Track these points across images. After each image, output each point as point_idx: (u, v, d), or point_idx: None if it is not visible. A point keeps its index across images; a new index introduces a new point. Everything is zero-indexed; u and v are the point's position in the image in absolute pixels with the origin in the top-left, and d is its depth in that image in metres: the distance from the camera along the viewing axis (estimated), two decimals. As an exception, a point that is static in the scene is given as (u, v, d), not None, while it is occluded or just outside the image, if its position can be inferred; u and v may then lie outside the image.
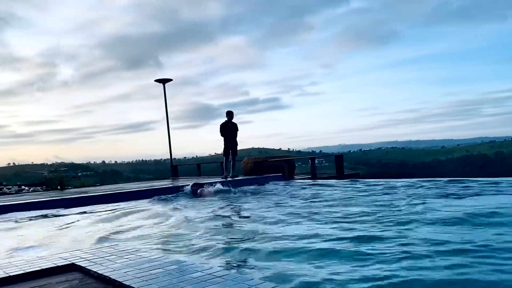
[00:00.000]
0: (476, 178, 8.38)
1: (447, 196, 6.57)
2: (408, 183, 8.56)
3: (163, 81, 17.34)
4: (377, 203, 6.17)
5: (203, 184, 9.41)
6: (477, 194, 6.55)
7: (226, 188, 9.44)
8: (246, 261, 3.24)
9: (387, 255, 3.18)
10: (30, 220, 6.56)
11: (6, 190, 19.99)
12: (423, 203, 5.76)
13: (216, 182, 9.82)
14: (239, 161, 13.43)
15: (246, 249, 3.63)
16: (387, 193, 7.30)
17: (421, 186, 7.90)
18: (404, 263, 2.96)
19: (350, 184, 9.64)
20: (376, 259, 3.10)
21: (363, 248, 3.42)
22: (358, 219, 4.90)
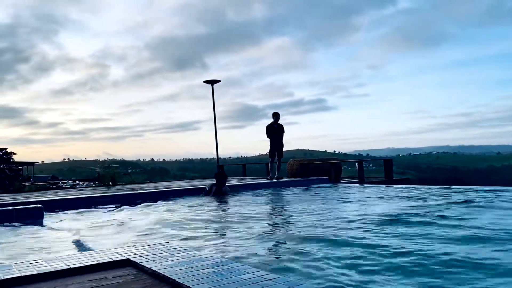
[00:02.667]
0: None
1: None
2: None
3: (212, 82, 17.63)
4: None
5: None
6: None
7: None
8: (298, 265, 3.20)
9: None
10: (88, 213, 6.89)
11: (62, 184, 21.07)
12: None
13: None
14: (284, 162, 13.42)
15: (298, 252, 3.59)
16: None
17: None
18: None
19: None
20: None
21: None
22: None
